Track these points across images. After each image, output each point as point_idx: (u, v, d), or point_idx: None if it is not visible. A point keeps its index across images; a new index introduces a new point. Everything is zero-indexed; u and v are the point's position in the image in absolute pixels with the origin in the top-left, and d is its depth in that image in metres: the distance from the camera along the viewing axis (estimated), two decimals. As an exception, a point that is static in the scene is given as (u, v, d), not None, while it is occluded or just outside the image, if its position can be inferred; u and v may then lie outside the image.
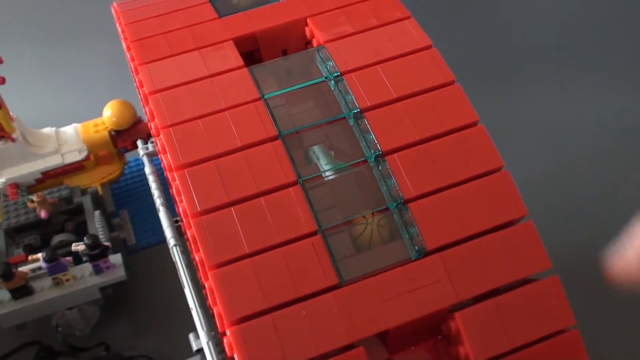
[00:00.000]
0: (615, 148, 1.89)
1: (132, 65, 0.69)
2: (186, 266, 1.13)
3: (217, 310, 0.55)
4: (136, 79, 1.07)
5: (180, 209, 0.58)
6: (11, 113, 1.61)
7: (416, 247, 0.58)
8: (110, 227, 1.63)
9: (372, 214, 0.60)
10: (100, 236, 1.49)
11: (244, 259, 0.54)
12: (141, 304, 1.63)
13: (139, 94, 1.11)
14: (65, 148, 1.69)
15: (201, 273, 0.58)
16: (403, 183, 0.59)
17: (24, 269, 1.40)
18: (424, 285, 0.56)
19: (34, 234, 1.58)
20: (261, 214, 0.56)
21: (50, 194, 1.58)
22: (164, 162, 0.62)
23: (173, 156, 0.57)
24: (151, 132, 0.66)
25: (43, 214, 1.53)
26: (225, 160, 0.57)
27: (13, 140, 1.60)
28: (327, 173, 0.61)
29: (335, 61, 0.66)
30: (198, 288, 1.12)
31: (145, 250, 1.75)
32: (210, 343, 1.03)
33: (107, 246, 1.42)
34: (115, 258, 1.44)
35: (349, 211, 0.60)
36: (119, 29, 0.81)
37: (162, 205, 1.21)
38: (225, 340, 0.54)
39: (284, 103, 0.64)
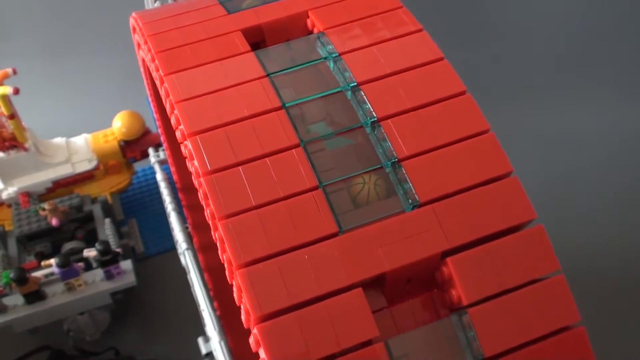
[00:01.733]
0: (619, 156, 1.93)
1: (156, 75, 0.73)
2: (197, 270, 1.17)
3: (226, 257, 0.59)
4: (150, 89, 1.11)
5: (208, 212, 0.62)
6: (23, 123, 1.65)
7: (410, 201, 0.62)
8: (119, 234, 1.67)
9: (369, 174, 0.65)
10: (111, 243, 1.52)
11: (251, 210, 0.59)
12: (149, 310, 1.66)
13: (153, 103, 1.16)
14: (75, 158, 1.73)
15: (227, 272, 0.61)
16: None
17: (37, 274, 1.44)
18: (418, 233, 0.60)
19: (45, 241, 1.61)
20: (273, 185, 0.61)
21: (61, 202, 1.62)
22: (191, 168, 0.66)
23: (201, 163, 0.61)
24: (177, 138, 0.70)
25: (54, 222, 1.57)
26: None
27: (26, 149, 1.64)
28: (328, 145, 0.66)
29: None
30: (207, 291, 1.16)
31: (153, 258, 1.79)
32: (222, 343, 1.06)
33: (118, 252, 1.45)
34: (126, 264, 1.48)
35: (348, 172, 0.65)
36: (138, 39, 0.85)
37: (174, 210, 1.25)
38: (252, 338, 0.58)
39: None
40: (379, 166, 0.65)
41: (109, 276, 1.45)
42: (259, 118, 0.65)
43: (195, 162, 0.62)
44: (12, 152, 1.64)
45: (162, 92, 0.72)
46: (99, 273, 1.46)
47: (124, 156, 1.78)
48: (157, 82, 0.73)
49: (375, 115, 0.66)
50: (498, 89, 2.13)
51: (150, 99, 1.14)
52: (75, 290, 1.44)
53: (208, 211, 0.61)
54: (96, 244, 1.41)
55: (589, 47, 2.30)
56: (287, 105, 0.67)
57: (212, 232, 0.63)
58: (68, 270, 1.40)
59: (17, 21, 2.39)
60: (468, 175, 0.63)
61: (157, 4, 1.16)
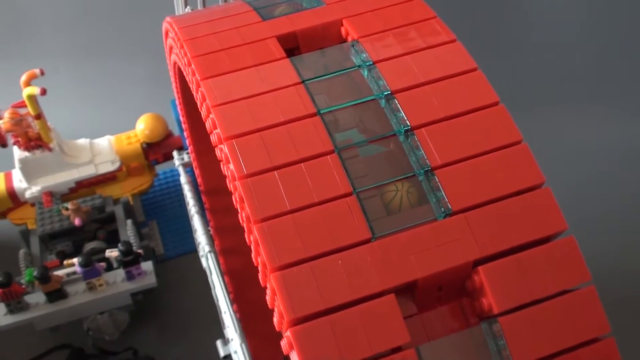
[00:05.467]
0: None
1: (192, 79, 0.74)
2: (219, 272, 1.18)
3: (261, 259, 0.59)
4: (179, 93, 1.12)
5: (243, 215, 0.63)
6: (48, 123, 1.67)
7: (442, 209, 0.63)
8: (140, 236, 1.68)
9: (402, 182, 0.66)
10: (132, 244, 1.54)
11: (286, 214, 0.60)
12: (168, 312, 1.67)
13: (180, 106, 1.17)
14: (98, 159, 1.75)
15: (261, 275, 0.62)
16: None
17: (59, 273, 1.45)
18: (450, 241, 0.61)
19: (67, 240, 1.63)
20: (305, 185, 0.62)
21: (84, 202, 1.64)
22: (226, 171, 0.67)
23: (237, 166, 0.62)
24: (212, 142, 0.71)
25: (77, 222, 1.58)
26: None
27: (50, 149, 1.66)
28: (361, 152, 0.67)
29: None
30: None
31: (173, 260, 1.80)
32: (243, 345, 1.07)
33: (140, 253, 1.47)
34: (147, 265, 1.49)
35: (381, 179, 0.66)
36: (172, 43, 0.87)
37: (197, 213, 1.26)
38: (284, 340, 0.59)
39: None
40: (411, 174, 0.65)
41: (129, 277, 1.46)
42: (294, 124, 0.66)
43: (231, 166, 0.63)
44: (37, 152, 1.66)
45: (197, 97, 0.73)
46: (120, 273, 1.47)
47: (147, 158, 1.80)
48: (193, 87, 0.75)
49: (408, 123, 0.67)
50: (514, 99, 2.13)
51: (177, 102, 1.16)
52: (96, 289, 1.45)
53: (243, 214, 0.62)
54: (118, 245, 1.43)
55: (605, 58, 2.29)
56: (322, 111, 0.68)
57: (247, 236, 0.63)
58: (90, 270, 1.42)
59: (42, 21, 2.41)
60: (500, 185, 0.64)
61: (187, 10, 1.18)
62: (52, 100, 1.63)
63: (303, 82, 0.70)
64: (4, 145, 1.65)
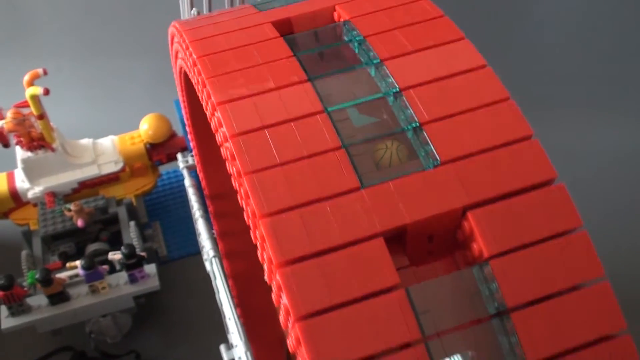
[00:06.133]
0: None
1: (198, 80, 0.72)
2: (224, 277, 1.16)
3: (267, 255, 0.59)
4: (184, 97, 1.11)
5: (249, 210, 0.62)
6: (51, 124, 1.65)
7: (431, 160, 0.63)
8: (143, 238, 1.67)
9: (392, 140, 0.66)
10: (135, 246, 1.52)
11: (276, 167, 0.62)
12: (171, 315, 1.66)
13: (185, 110, 1.15)
14: (102, 159, 1.74)
15: (267, 272, 0.61)
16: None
17: (61, 275, 1.44)
18: (438, 188, 0.61)
19: (69, 241, 1.61)
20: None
21: (86, 203, 1.62)
22: (231, 169, 0.65)
23: (242, 162, 0.61)
24: (217, 141, 0.69)
25: (80, 223, 1.57)
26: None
27: (53, 150, 1.65)
28: (355, 120, 0.68)
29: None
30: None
31: (176, 261, 1.79)
32: (248, 353, 1.05)
33: (143, 256, 1.45)
34: (150, 268, 1.48)
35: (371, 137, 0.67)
36: (178, 48, 0.85)
37: (202, 217, 1.25)
38: (292, 335, 0.57)
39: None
40: (400, 130, 0.66)
41: (133, 280, 1.45)
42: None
43: (237, 162, 0.61)
44: (40, 152, 1.65)
45: (202, 96, 0.71)
46: (122, 276, 1.46)
47: (150, 159, 1.78)
48: (198, 87, 0.73)
49: (397, 85, 0.67)
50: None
51: (182, 108, 1.14)
52: (99, 292, 1.44)
53: (248, 210, 0.61)
54: (122, 248, 1.41)
55: (606, 59, 2.27)
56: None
57: (252, 232, 0.62)
58: (93, 272, 1.40)
59: (46, 20, 2.40)
60: (489, 136, 0.64)
61: (193, 12, 1.16)
62: (55, 99, 1.61)
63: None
64: (7, 145, 1.64)
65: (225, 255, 1.35)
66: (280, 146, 0.63)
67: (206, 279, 1.31)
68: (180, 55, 0.85)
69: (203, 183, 1.30)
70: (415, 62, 0.70)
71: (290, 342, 0.58)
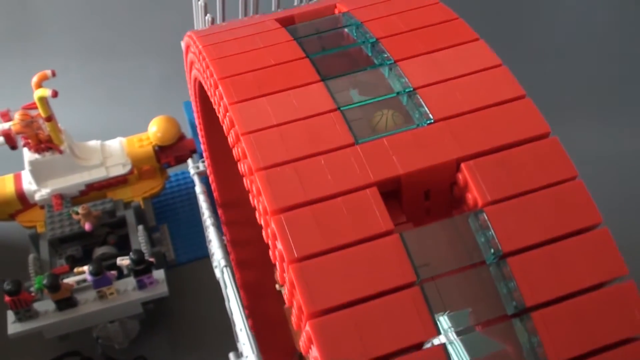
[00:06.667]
0: None
1: (211, 82, 0.71)
2: (235, 287, 1.14)
3: (279, 252, 0.58)
4: (197, 106, 1.09)
5: (261, 208, 0.60)
6: (59, 125, 1.63)
7: (424, 119, 0.65)
8: (151, 242, 1.65)
9: (387, 108, 0.68)
10: (143, 251, 1.51)
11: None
12: (178, 320, 1.64)
13: (199, 120, 1.13)
14: (110, 161, 1.72)
15: (279, 271, 0.59)
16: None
17: (69, 280, 1.42)
18: (432, 143, 0.62)
19: (77, 244, 1.60)
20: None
21: (94, 206, 1.60)
22: (243, 168, 0.64)
23: (254, 159, 0.60)
24: (229, 143, 0.68)
25: (87, 227, 1.55)
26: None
27: (61, 152, 1.63)
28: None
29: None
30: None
31: (184, 266, 1.77)
32: (260, 367, 1.04)
33: (152, 262, 1.43)
34: (158, 274, 1.46)
35: (369, 108, 0.68)
36: (193, 58, 0.83)
37: (213, 224, 1.23)
38: (304, 335, 0.55)
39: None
40: (394, 94, 0.68)
41: (141, 286, 1.43)
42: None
43: (249, 159, 0.61)
44: (47, 154, 1.63)
45: (215, 98, 0.70)
46: (131, 282, 1.44)
47: (158, 161, 1.76)
48: (211, 89, 0.72)
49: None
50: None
51: (196, 116, 1.12)
52: (107, 298, 1.42)
53: (260, 207, 0.60)
54: (130, 253, 1.40)
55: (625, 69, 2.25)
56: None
57: (264, 230, 0.60)
58: (101, 278, 1.38)
59: (53, 20, 2.38)
60: (482, 96, 0.65)
61: (208, 18, 1.14)
62: (62, 100, 1.59)
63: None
64: (14, 147, 1.62)
65: (236, 264, 1.33)
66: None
67: (215, 284, 1.30)
68: (195, 66, 0.83)
69: (215, 191, 1.28)
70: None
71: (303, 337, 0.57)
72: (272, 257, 0.60)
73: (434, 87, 0.67)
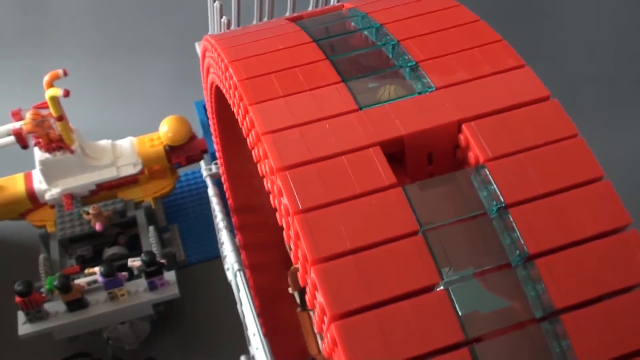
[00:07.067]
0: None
1: (230, 84, 0.70)
2: (248, 291, 1.14)
3: (301, 251, 0.58)
4: (213, 112, 1.08)
5: (282, 208, 0.60)
6: (70, 125, 1.63)
7: (426, 87, 0.66)
8: (162, 242, 1.64)
9: (390, 84, 0.69)
10: (155, 252, 1.50)
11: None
12: (189, 321, 1.64)
13: (214, 127, 1.12)
14: (120, 161, 1.71)
15: (301, 271, 0.58)
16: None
17: (80, 281, 1.42)
18: (433, 107, 0.64)
19: (87, 244, 1.59)
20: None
21: (105, 206, 1.60)
22: (264, 168, 0.63)
23: (275, 159, 0.60)
24: (249, 144, 0.67)
25: (98, 227, 1.54)
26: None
27: (72, 151, 1.62)
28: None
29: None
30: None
31: (194, 266, 1.76)
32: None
33: (163, 263, 1.43)
34: (170, 275, 1.45)
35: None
36: (210, 62, 0.82)
37: (226, 227, 1.22)
38: (328, 336, 0.54)
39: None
40: (398, 67, 0.70)
41: (152, 287, 1.43)
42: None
43: (271, 160, 0.60)
44: (58, 153, 1.63)
45: (234, 100, 0.69)
46: (142, 283, 1.43)
47: (169, 161, 1.75)
48: (230, 91, 0.71)
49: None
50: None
51: (211, 123, 1.11)
52: (118, 300, 1.41)
53: (283, 207, 0.59)
54: (142, 255, 1.39)
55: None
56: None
57: (285, 231, 0.60)
58: (112, 279, 1.38)
59: (64, 18, 2.37)
60: (481, 64, 0.67)
61: (223, 20, 1.13)
62: (73, 99, 1.58)
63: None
64: (25, 146, 1.62)
65: (248, 268, 1.32)
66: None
67: (225, 285, 1.29)
68: (212, 70, 0.82)
69: (229, 196, 1.27)
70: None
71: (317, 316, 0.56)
72: (293, 259, 0.60)
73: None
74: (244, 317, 1.18)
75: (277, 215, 0.62)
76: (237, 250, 1.17)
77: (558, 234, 0.56)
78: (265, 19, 1.19)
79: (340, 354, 0.52)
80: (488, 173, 0.59)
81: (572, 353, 0.54)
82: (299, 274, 0.59)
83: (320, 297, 0.54)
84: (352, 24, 0.79)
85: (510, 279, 0.57)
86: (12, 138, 1.60)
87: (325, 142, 0.61)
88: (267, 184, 0.63)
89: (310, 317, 1.21)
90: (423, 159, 0.64)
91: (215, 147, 1.17)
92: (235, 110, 0.71)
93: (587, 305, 0.55)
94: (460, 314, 0.55)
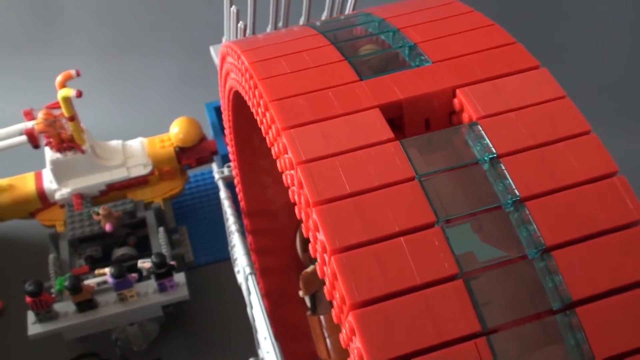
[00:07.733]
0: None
1: (251, 84, 0.71)
2: (259, 295, 1.14)
3: (321, 242, 0.58)
4: (229, 119, 1.08)
5: (302, 200, 0.61)
6: (82, 125, 1.63)
7: (422, 60, 0.71)
8: (172, 244, 1.64)
9: None
10: (164, 253, 1.50)
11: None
12: (197, 322, 1.64)
13: (229, 130, 1.12)
14: (131, 162, 1.71)
15: (319, 263, 0.59)
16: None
17: (90, 282, 1.42)
18: (430, 76, 0.68)
19: (96, 245, 1.59)
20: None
21: (115, 207, 1.60)
22: (283, 163, 0.64)
23: (295, 154, 0.63)
24: (268, 140, 0.68)
25: (108, 227, 1.54)
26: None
27: (83, 151, 1.63)
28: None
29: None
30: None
31: (203, 268, 1.76)
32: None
33: (173, 265, 1.43)
34: (179, 277, 1.45)
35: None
36: (230, 68, 0.82)
37: (238, 231, 1.22)
38: (346, 326, 0.54)
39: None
40: (399, 46, 0.74)
41: (162, 289, 1.43)
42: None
43: (290, 154, 0.62)
44: (69, 153, 1.63)
45: (254, 99, 0.70)
46: (151, 285, 1.44)
47: (179, 162, 1.75)
48: (251, 90, 0.71)
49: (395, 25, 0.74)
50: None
51: (226, 126, 1.11)
52: (128, 301, 1.42)
53: (302, 199, 0.60)
54: (152, 257, 1.39)
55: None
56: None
57: (304, 223, 0.61)
58: (122, 281, 1.38)
59: (75, 19, 2.37)
60: (479, 42, 0.71)
61: (240, 25, 1.13)
62: (83, 99, 1.59)
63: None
64: (37, 146, 1.62)
65: (259, 271, 1.32)
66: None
67: (234, 287, 1.29)
68: (232, 76, 0.82)
69: (241, 200, 1.27)
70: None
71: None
72: (312, 251, 0.61)
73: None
74: (254, 320, 1.18)
75: (296, 208, 0.62)
76: (248, 253, 1.17)
77: (548, 180, 0.59)
78: (280, 25, 1.19)
79: (359, 344, 0.52)
80: (481, 129, 0.62)
81: (564, 285, 0.56)
82: (317, 266, 0.60)
83: (340, 287, 0.54)
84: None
85: (503, 222, 0.60)
86: (24, 137, 1.61)
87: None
88: (287, 179, 0.63)
89: (320, 321, 1.21)
90: (421, 124, 0.68)
91: (231, 156, 1.17)
92: (254, 110, 0.71)
93: (576, 243, 0.57)
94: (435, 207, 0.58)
